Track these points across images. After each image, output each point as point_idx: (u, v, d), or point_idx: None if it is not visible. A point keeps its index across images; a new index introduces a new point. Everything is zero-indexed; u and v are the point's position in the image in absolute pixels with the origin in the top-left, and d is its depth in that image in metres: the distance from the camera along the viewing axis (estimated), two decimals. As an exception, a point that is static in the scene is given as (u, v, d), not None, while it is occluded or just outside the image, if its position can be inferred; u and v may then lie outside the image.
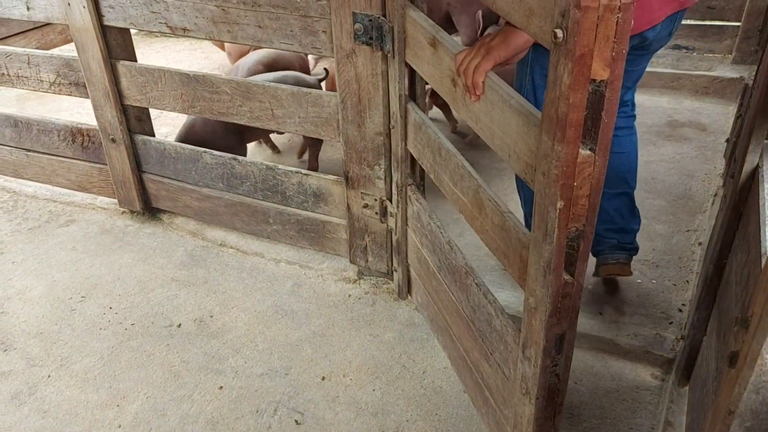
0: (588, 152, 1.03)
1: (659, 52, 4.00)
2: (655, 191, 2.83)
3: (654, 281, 2.29)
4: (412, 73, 1.87)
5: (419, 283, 2.12)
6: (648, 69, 3.72)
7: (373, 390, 1.95)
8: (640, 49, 1.79)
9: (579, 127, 1.00)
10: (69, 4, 2.31)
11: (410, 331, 2.16)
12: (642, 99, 3.57)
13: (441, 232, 1.82)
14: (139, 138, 2.59)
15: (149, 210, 2.79)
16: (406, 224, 2.11)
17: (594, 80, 0.96)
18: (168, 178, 2.64)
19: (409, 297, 2.28)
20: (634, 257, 2.14)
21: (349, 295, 2.34)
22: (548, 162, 1.06)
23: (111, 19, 2.30)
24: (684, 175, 2.95)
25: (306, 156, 3.21)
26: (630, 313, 2.14)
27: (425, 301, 2.11)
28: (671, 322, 2.09)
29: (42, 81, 2.62)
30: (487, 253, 2.43)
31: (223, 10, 2.06)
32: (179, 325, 2.23)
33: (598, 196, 1.08)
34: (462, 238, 2.48)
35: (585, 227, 1.10)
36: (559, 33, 0.95)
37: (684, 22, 2.53)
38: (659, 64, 3.88)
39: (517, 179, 2.13)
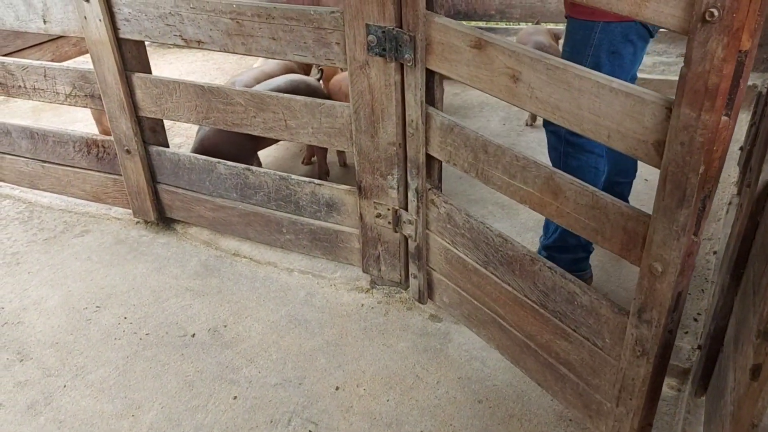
0: (726, 118, 1.14)
1: (671, 60, 4.00)
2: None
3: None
4: (430, 80, 1.88)
5: (447, 284, 2.16)
6: (660, 77, 3.72)
7: (387, 400, 1.95)
8: (651, 37, 1.96)
9: (725, 96, 1.12)
10: (85, 17, 2.34)
11: (424, 341, 2.16)
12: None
13: (488, 228, 1.88)
14: (154, 149, 2.62)
15: (163, 220, 2.81)
16: (428, 229, 2.12)
17: (741, 51, 1.08)
18: (182, 188, 2.66)
19: (430, 302, 2.28)
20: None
21: (362, 305, 2.34)
22: (690, 132, 1.17)
23: (126, 32, 2.33)
24: (697, 184, 2.93)
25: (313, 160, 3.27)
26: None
27: (455, 301, 2.14)
28: (687, 332, 2.08)
29: (58, 93, 2.66)
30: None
31: (237, 22, 2.08)
32: (193, 335, 2.24)
33: (725, 157, 1.21)
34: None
35: (713, 187, 1.22)
36: (716, 12, 1.06)
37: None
38: (671, 71, 3.87)
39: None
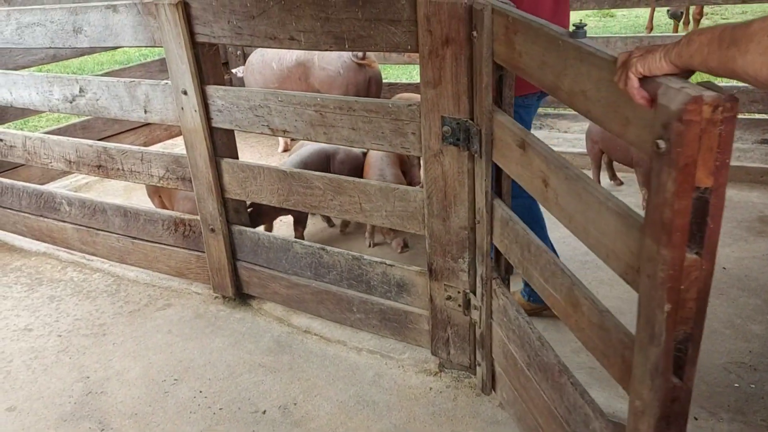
0: (694, 256, 1.05)
1: (746, 147, 3.94)
2: (749, 289, 2.72)
3: (753, 386, 2.17)
4: (499, 172, 1.95)
5: (505, 379, 2.10)
6: (735, 163, 3.67)
7: (457, 489, 1.90)
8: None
9: (685, 233, 1.03)
10: (182, 108, 2.57)
11: (493, 430, 2.12)
12: (731, 193, 3.49)
13: (530, 328, 1.83)
14: (236, 228, 2.77)
15: (240, 296, 2.93)
16: (491, 317, 2.12)
17: (698, 187, 1.00)
18: (259, 265, 2.78)
19: (494, 393, 2.25)
20: (732, 360, 2.06)
21: (431, 388, 2.33)
22: (654, 265, 1.08)
23: (218, 122, 2.54)
24: (781, 273, 2.82)
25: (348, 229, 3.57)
26: (728, 419, 2.02)
27: (511, 398, 2.08)
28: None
29: (152, 175, 2.88)
30: (573, 349, 2.39)
31: (320, 114, 2.24)
32: (264, 412, 2.28)
33: (705, 299, 1.09)
34: (546, 333, 2.44)
35: (693, 330, 1.11)
36: (662, 144, 1.00)
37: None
38: (746, 158, 3.80)
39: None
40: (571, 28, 1.35)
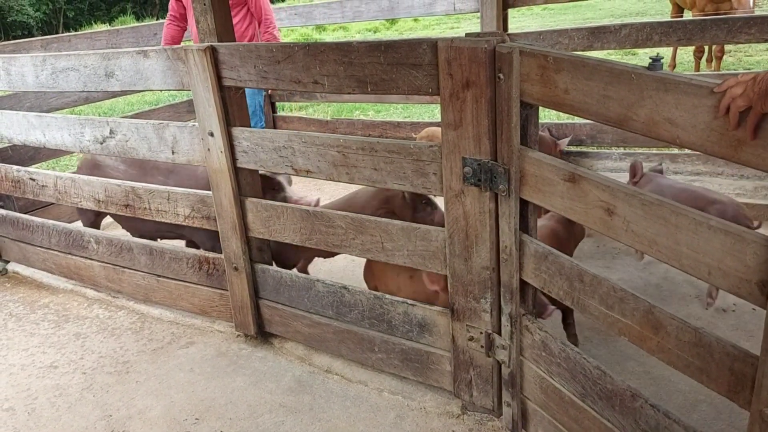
0: None
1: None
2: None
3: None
4: (524, 209, 1.95)
5: (542, 415, 2.09)
6: (762, 201, 3.59)
7: None
8: None
9: None
10: (209, 149, 2.63)
11: (518, 474, 2.07)
12: None
13: (585, 358, 1.85)
14: (259, 267, 2.80)
15: (262, 334, 2.94)
16: (522, 355, 2.10)
17: None
18: (282, 304, 2.79)
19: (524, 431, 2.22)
20: None
21: (453, 431, 2.30)
22: None
23: (243, 162, 2.59)
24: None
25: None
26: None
27: None
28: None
29: (178, 214, 2.93)
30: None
31: (343, 155, 2.27)
32: (285, 453, 2.26)
33: None
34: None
35: None
36: None
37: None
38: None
39: None
40: (648, 62, 1.46)
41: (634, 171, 3.17)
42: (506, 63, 1.81)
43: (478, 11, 4.27)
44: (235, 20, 4.40)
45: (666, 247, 1.46)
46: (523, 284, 2.04)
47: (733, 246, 1.30)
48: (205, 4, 2.51)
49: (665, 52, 8.71)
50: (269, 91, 5.51)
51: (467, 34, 1.92)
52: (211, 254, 2.96)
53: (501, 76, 1.84)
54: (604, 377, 1.78)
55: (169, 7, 4.80)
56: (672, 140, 1.40)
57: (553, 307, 2.25)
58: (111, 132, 2.96)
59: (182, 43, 4.60)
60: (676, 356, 1.51)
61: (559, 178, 1.74)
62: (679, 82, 1.37)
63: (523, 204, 1.95)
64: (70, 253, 3.51)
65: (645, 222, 1.50)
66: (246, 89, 4.38)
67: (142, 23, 10.12)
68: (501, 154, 1.91)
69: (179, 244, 3.35)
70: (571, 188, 1.71)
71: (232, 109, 2.57)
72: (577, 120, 4.26)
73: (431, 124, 5.05)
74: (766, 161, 1.20)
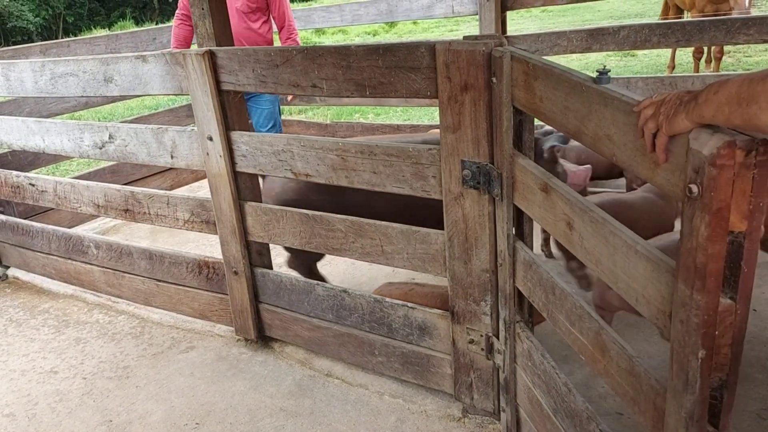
0: (729, 301, 1.05)
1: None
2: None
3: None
4: (520, 215, 1.94)
5: (531, 426, 2.05)
6: None
7: None
8: None
9: (719, 277, 1.03)
10: (208, 153, 2.63)
11: (519, 477, 2.06)
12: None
13: (556, 373, 1.79)
14: (259, 270, 2.79)
15: (262, 338, 2.93)
16: (515, 362, 2.09)
17: (732, 232, 1.00)
18: (281, 308, 2.79)
19: (518, 439, 2.20)
20: (766, 406, 1.98)
21: (454, 434, 2.29)
22: (687, 310, 1.08)
23: (243, 166, 2.59)
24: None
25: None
26: (766, 470, 1.94)
27: None
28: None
29: (177, 219, 2.93)
30: (600, 394, 2.33)
31: (342, 158, 2.27)
32: (286, 457, 2.26)
33: (741, 344, 1.08)
34: (572, 377, 2.40)
35: (728, 377, 1.10)
36: (694, 188, 1.01)
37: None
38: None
39: None
40: (595, 74, 1.37)
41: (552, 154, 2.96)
42: (499, 67, 1.79)
43: (477, 14, 4.28)
44: (256, 25, 4.32)
45: (607, 267, 1.38)
46: (518, 291, 2.02)
47: (652, 274, 1.21)
48: (203, 9, 2.51)
49: (665, 53, 8.72)
50: (290, 99, 5.32)
51: (465, 37, 1.92)
52: (211, 258, 2.96)
53: (494, 80, 1.83)
54: (569, 395, 1.71)
55: (180, 5, 4.35)
56: (611, 157, 1.32)
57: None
58: (110, 137, 2.96)
59: (193, 46, 4.32)
60: (617, 382, 1.42)
61: (537, 187, 1.70)
62: (614, 97, 1.27)
63: (518, 210, 1.91)
64: (70, 258, 3.51)
65: (593, 239, 1.43)
66: (268, 102, 4.37)
67: (142, 28, 10.15)
68: (497, 157, 1.91)
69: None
70: (545, 198, 1.66)
71: (231, 113, 2.57)
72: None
73: (431, 126, 5.05)
74: (675, 187, 1.10)
